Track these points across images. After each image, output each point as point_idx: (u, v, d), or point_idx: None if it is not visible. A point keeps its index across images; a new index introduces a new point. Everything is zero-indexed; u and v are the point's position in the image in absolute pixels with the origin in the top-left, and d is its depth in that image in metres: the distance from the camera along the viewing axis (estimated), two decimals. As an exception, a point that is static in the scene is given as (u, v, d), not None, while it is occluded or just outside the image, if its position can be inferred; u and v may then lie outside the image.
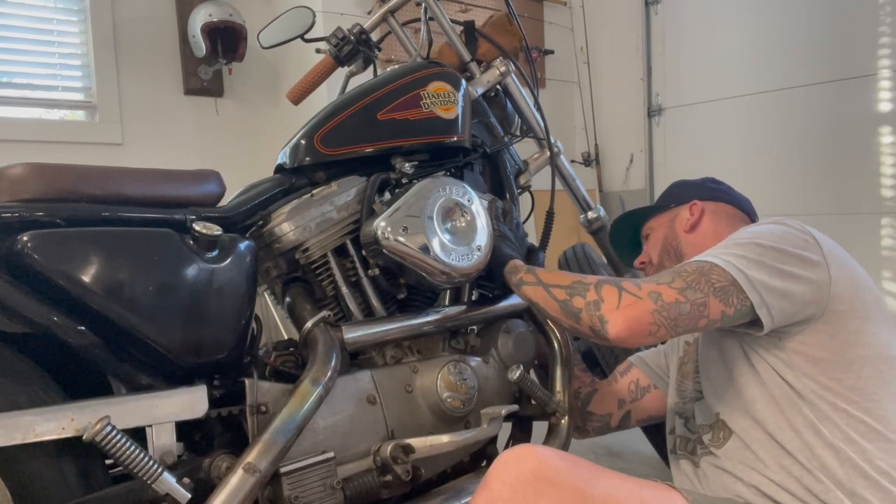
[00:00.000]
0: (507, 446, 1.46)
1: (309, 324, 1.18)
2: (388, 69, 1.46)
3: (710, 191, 1.37)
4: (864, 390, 1.03)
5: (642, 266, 1.42)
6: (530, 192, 1.65)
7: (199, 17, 3.08)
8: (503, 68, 1.59)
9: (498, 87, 1.62)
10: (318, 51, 1.69)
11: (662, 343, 1.43)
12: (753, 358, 1.10)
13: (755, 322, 1.05)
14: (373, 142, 1.33)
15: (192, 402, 1.02)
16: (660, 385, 1.41)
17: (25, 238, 0.93)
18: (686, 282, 1.04)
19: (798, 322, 1.05)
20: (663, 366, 1.41)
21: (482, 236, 1.30)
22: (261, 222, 1.26)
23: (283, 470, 1.05)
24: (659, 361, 1.42)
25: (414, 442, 1.16)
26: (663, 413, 1.43)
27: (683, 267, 1.08)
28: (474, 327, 1.44)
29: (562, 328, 1.43)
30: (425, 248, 1.23)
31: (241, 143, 3.35)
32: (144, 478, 0.91)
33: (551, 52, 4.14)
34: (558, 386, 1.40)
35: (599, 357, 1.72)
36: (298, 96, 1.66)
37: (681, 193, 1.39)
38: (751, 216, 1.36)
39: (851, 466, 1.00)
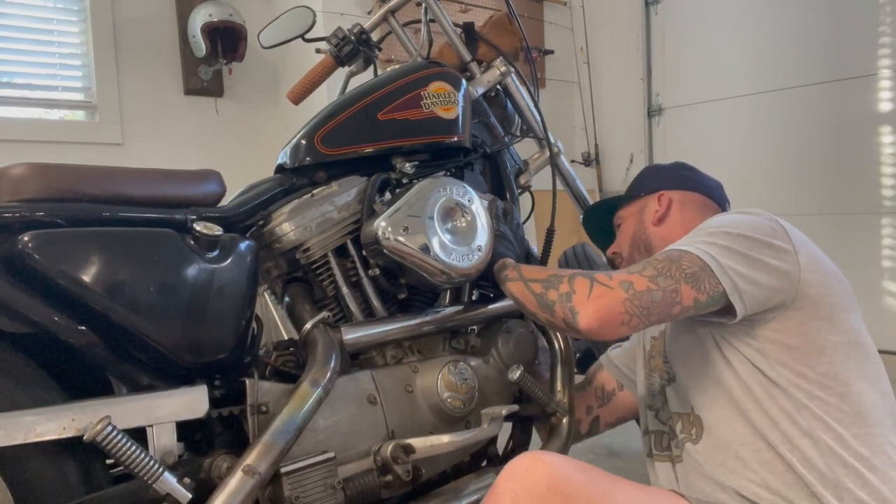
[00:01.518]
0: (507, 446, 1.46)
1: (308, 325, 1.18)
2: (389, 69, 1.46)
3: (680, 179, 1.36)
4: (837, 376, 1.03)
5: (614, 255, 1.41)
6: (530, 192, 1.65)
7: (199, 17, 3.08)
8: (503, 68, 1.59)
9: (498, 87, 1.62)
10: (318, 51, 1.69)
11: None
12: (725, 349, 1.09)
13: (727, 310, 1.04)
14: (373, 142, 1.33)
15: (192, 402, 1.02)
16: (627, 384, 1.40)
17: (26, 238, 0.93)
18: (657, 269, 1.03)
19: (769, 309, 1.05)
20: (633, 364, 1.39)
21: (482, 236, 1.30)
22: (261, 222, 1.26)
23: (283, 470, 1.05)
24: (628, 361, 1.41)
25: (414, 442, 1.16)
26: (632, 413, 1.42)
27: (654, 256, 1.08)
28: (474, 327, 1.44)
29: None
30: (426, 248, 1.23)
31: (241, 143, 3.35)
32: (145, 478, 0.91)
33: (551, 52, 4.14)
34: (559, 386, 1.40)
35: (598, 356, 1.71)
36: (298, 96, 1.66)
37: (650, 181, 1.38)
38: (720, 204, 1.35)
39: (831, 455, 0.99)
